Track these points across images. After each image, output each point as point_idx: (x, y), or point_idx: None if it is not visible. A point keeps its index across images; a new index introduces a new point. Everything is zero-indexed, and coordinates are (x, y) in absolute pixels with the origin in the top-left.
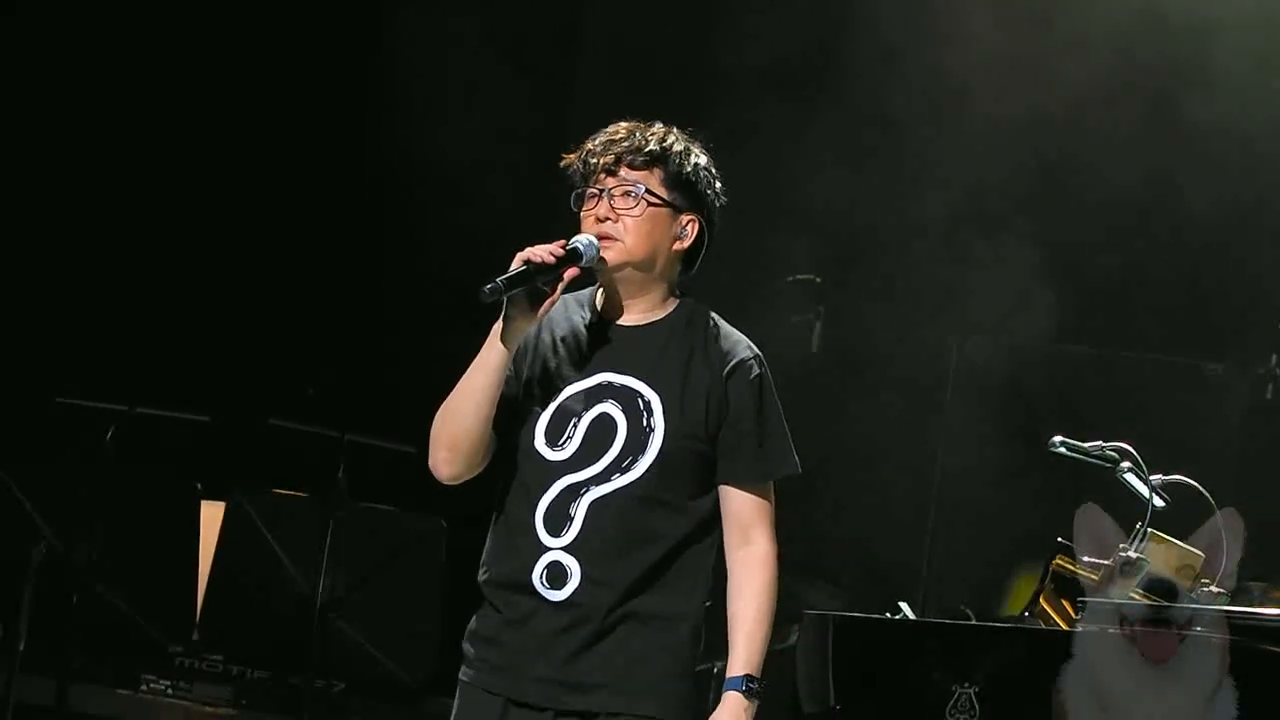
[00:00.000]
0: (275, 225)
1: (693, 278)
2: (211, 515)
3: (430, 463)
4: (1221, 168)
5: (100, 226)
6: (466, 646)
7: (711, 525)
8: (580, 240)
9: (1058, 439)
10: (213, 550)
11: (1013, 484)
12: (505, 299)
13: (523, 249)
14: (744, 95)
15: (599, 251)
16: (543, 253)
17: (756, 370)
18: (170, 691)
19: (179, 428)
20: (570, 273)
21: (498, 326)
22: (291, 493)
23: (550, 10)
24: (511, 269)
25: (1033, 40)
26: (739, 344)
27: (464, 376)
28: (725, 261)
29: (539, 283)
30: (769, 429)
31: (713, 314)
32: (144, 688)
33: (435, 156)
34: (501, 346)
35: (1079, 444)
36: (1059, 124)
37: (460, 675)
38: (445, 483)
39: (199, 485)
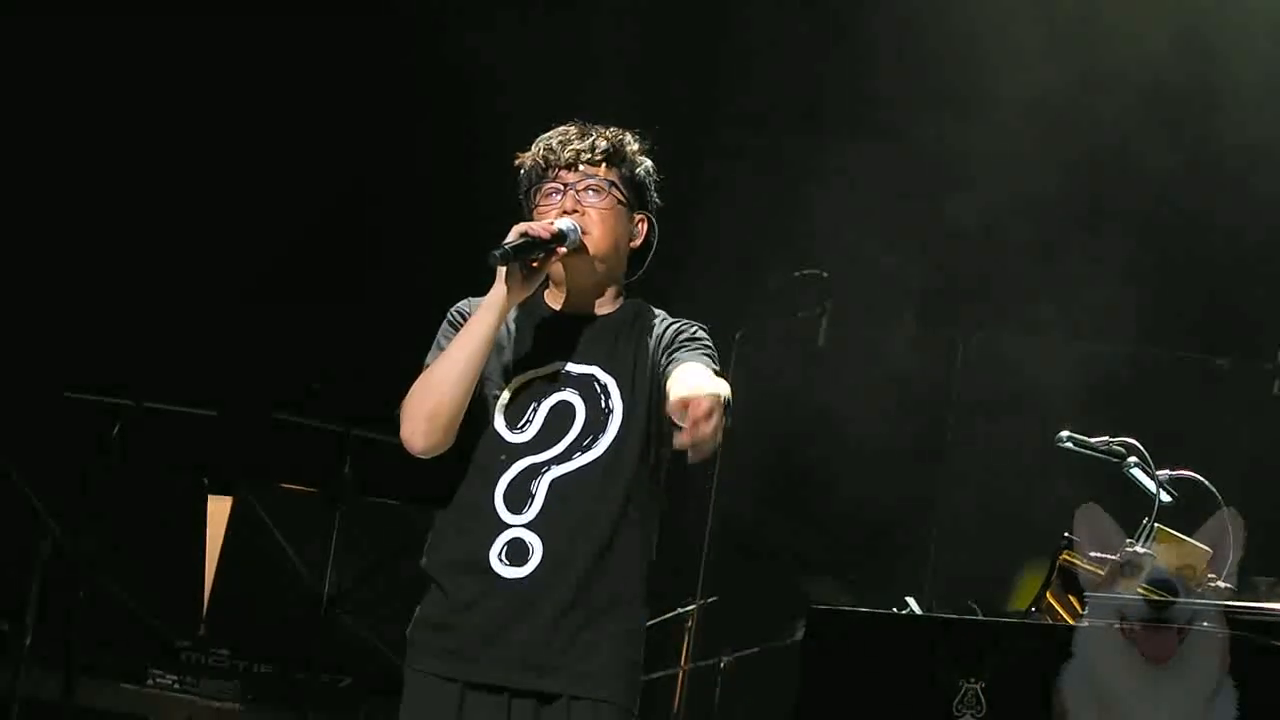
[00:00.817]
0: (283, 220)
1: (644, 276)
2: (218, 510)
3: (405, 434)
4: (1239, 170)
5: (108, 220)
6: (416, 635)
7: (654, 517)
8: (564, 223)
9: (1065, 434)
10: (219, 545)
11: (1019, 479)
12: (504, 270)
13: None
14: (763, 97)
15: (580, 237)
16: (538, 228)
17: (695, 327)
18: (177, 686)
19: (186, 422)
20: (559, 251)
21: (491, 297)
22: (298, 487)
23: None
24: (512, 239)
25: (1064, 52)
26: (683, 320)
27: (450, 347)
28: (736, 258)
29: (532, 257)
30: (699, 347)
31: (661, 310)
32: (151, 682)
33: (451, 152)
34: (494, 314)
35: (1086, 439)
36: (1081, 130)
37: (409, 665)
38: (419, 455)
39: (206, 480)
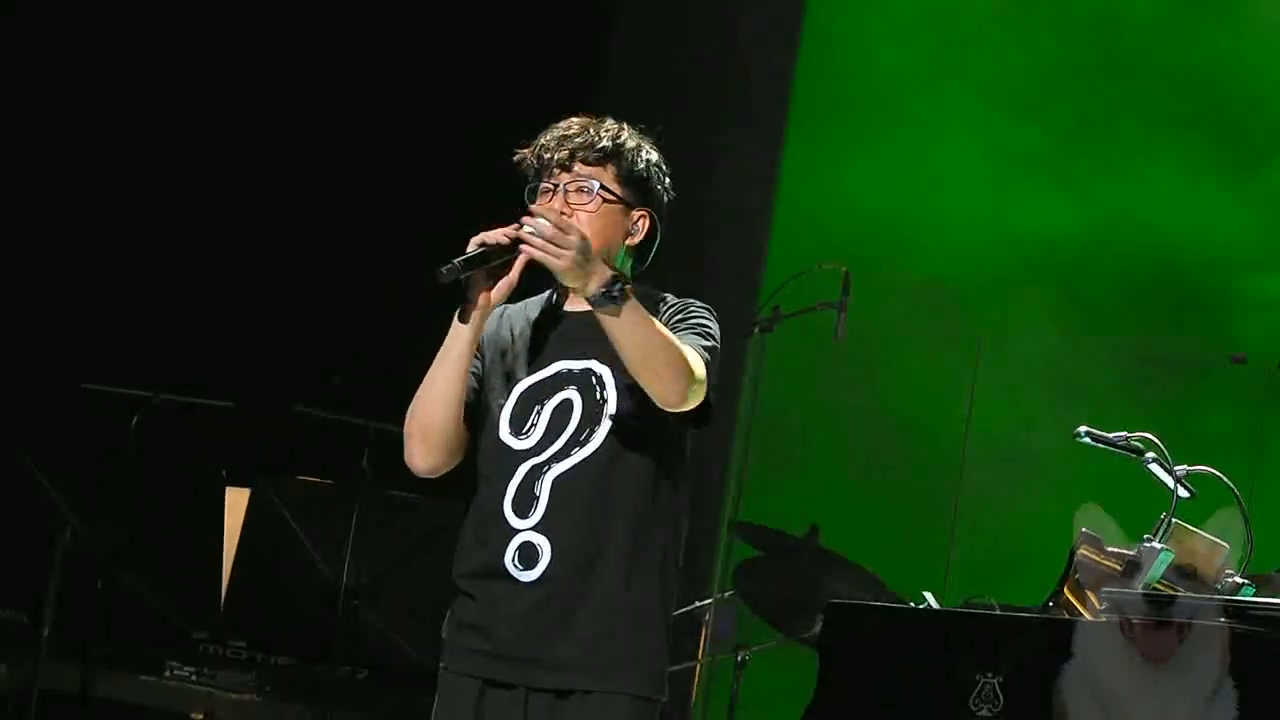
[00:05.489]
0: (303, 209)
1: (646, 272)
2: (236, 502)
3: (406, 456)
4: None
5: (125, 211)
6: (448, 636)
7: (669, 509)
8: (532, 223)
9: (1082, 429)
10: (237, 537)
11: (1037, 473)
12: (465, 282)
13: (479, 232)
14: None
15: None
16: (497, 235)
17: (695, 306)
18: (194, 678)
19: (204, 414)
20: (526, 255)
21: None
22: (316, 480)
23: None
24: (467, 251)
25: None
26: (687, 299)
27: (430, 370)
28: (754, 251)
29: (494, 264)
30: (690, 325)
31: (666, 294)
32: (168, 674)
33: (464, 141)
34: (464, 332)
35: (1104, 434)
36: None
37: (441, 666)
38: (423, 475)
39: (224, 472)
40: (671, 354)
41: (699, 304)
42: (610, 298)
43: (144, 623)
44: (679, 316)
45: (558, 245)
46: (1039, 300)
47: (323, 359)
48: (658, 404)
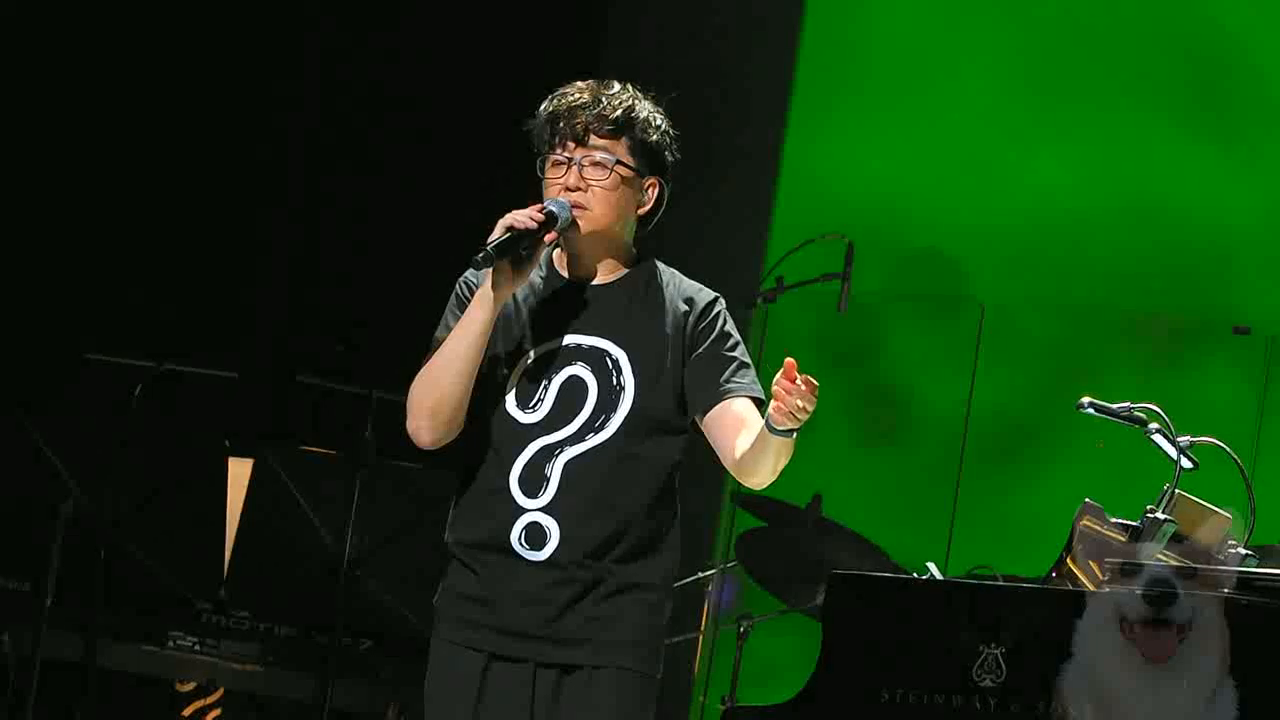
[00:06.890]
0: (306, 181)
1: (651, 236)
2: (239, 472)
3: (410, 429)
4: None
5: (129, 181)
6: (443, 605)
7: (676, 489)
8: (554, 204)
9: (1086, 400)
10: (240, 507)
11: (1040, 443)
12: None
13: (503, 216)
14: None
15: (571, 215)
16: (524, 218)
17: (716, 308)
18: (197, 648)
19: (207, 384)
20: (549, 237)
21: (482, 292)
22: (319, 450)
23: None
24: (497, 236)
25: None
26: (700, 290)
27: (445, 344)
28: (752, 223)
29: (521, 247)
30: (739, 355)
31: (671, 269)
32: (171, 644)
33: (474, 111)
34: (488, 311)
35: (1107, 405)
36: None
37: (436, 635)
38: (427, 448)
39: (227, 442)
40: (787, 460)
41: (719, 303)
42: (791, 432)
43: (146, 592)
44: (727, 347)
45: (808, 409)
46: (1041, 271)
47: (327, 329)
48: (735, 475)
